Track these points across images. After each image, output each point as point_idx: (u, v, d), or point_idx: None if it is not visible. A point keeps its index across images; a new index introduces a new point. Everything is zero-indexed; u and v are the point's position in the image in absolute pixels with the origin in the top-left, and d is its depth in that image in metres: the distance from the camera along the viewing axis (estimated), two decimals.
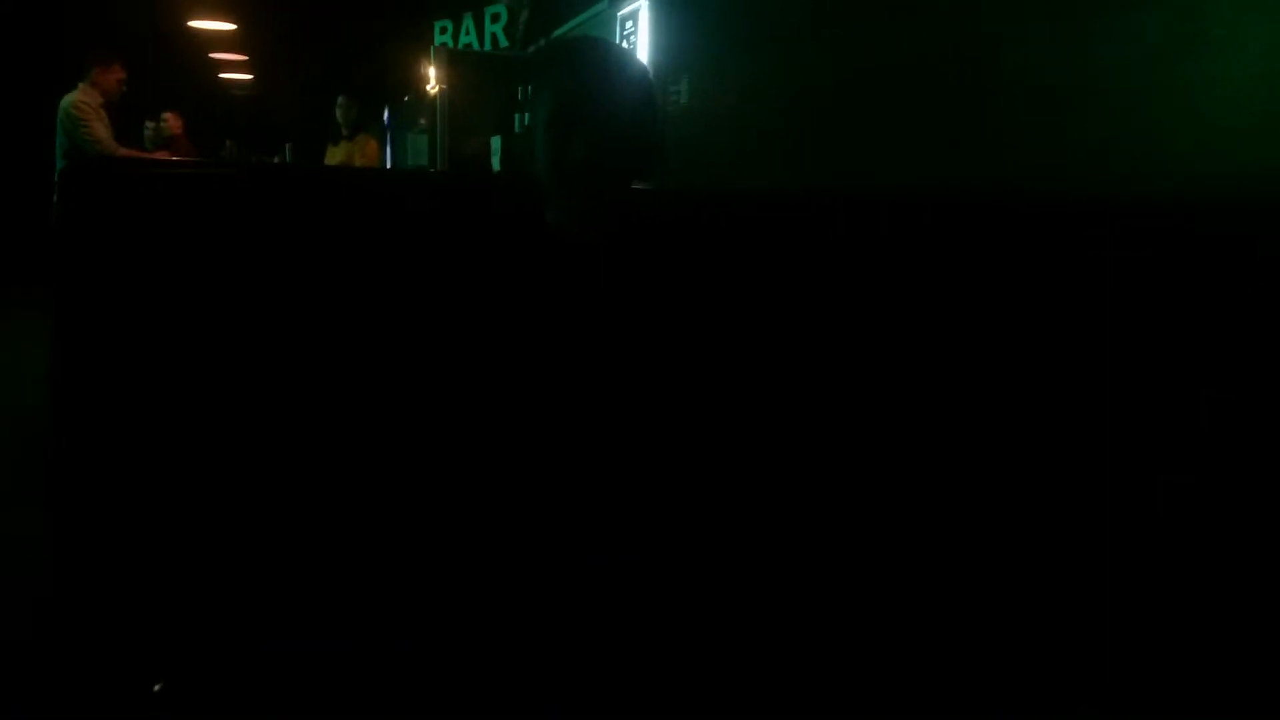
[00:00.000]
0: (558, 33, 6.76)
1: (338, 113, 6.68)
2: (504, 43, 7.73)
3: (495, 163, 6.45)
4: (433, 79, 7.00)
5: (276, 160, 11.38)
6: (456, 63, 7.00)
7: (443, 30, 8.46)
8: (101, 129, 5.26)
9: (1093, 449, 1.50)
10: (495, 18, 7.81)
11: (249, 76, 15.84)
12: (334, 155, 6.77)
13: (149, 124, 6.48)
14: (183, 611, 1.54)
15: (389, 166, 9.11)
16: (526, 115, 6.37)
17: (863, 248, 1.77)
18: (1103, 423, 1.49)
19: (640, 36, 4.87)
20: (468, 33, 8.16)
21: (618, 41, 5.00)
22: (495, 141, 6.53)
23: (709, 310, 1.59)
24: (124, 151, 5.53)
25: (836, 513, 1.68)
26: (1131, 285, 1.46)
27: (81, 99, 5.24)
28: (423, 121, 10.21)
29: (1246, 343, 1.37)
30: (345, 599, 1.56)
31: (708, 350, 1.56)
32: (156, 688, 1.45)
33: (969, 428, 1.64)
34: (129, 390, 1.54)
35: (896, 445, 1.69)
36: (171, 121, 6.35)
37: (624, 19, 5.12)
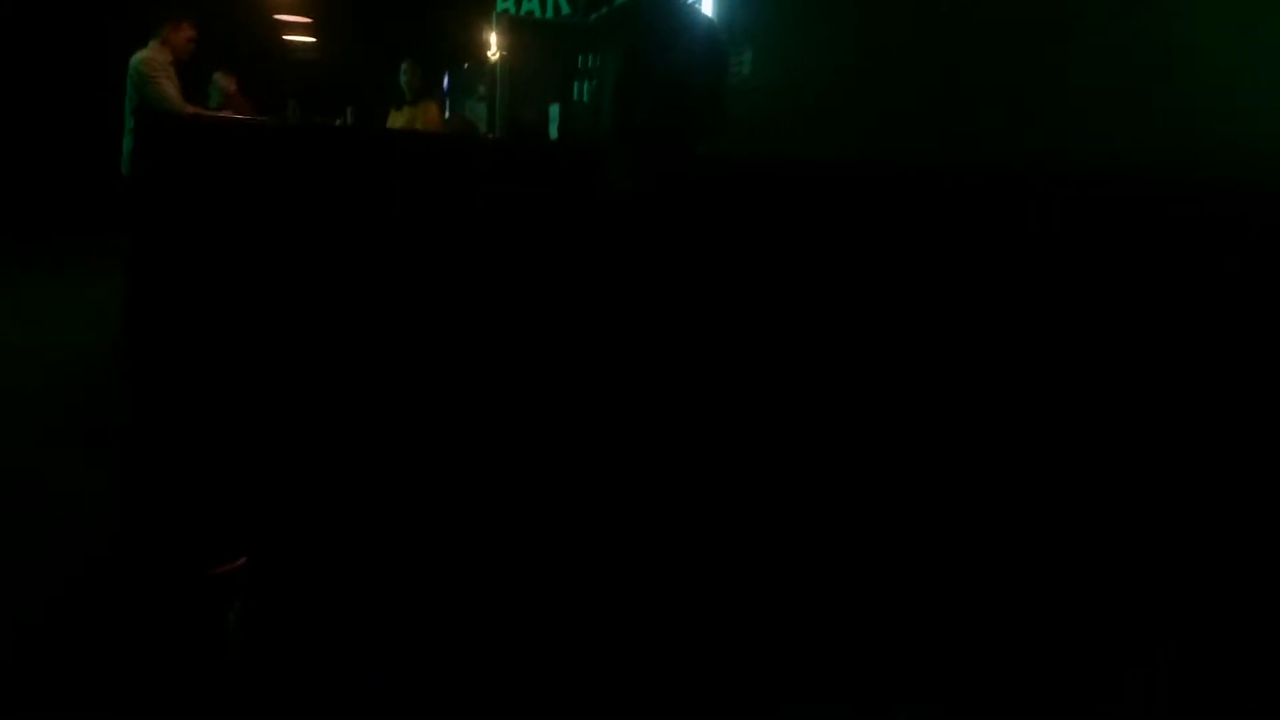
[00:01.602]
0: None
1: (402, 78, 6.70)
2: (566, 10, 7.69)
3: (553, 131, 6.44)
4: (493, 45, 6.99)
5: (339, 122, 11.47)
6: (518, 30, 6.98)
7: None
8: (170, 87, 5.33)
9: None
10: None
11: (312, 39, 15.97)
12: (397, 119, 6.80)
13: (212, 80, 6.58)
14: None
15: None
16: (588, 84, 6.34)
17: (920, 219, 1.74)
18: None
19: (704, 8, 4.82)
20: (530, 0, 8.13)
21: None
22: (553, 110, 6.51)
23: (764, 277, 1.58)
24: (191, 109, 5.61)
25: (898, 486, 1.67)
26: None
27: (152, 57, 5.31)
28: (482, 88, 10.21)
29: None
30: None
31: (763, 315, 1.55)
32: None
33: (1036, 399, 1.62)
34: (198, 331, 1.57)
35: (967, 415, 1.67)
36: (224, 81, 6.40)
37: None
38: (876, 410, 1.73)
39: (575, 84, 6.36)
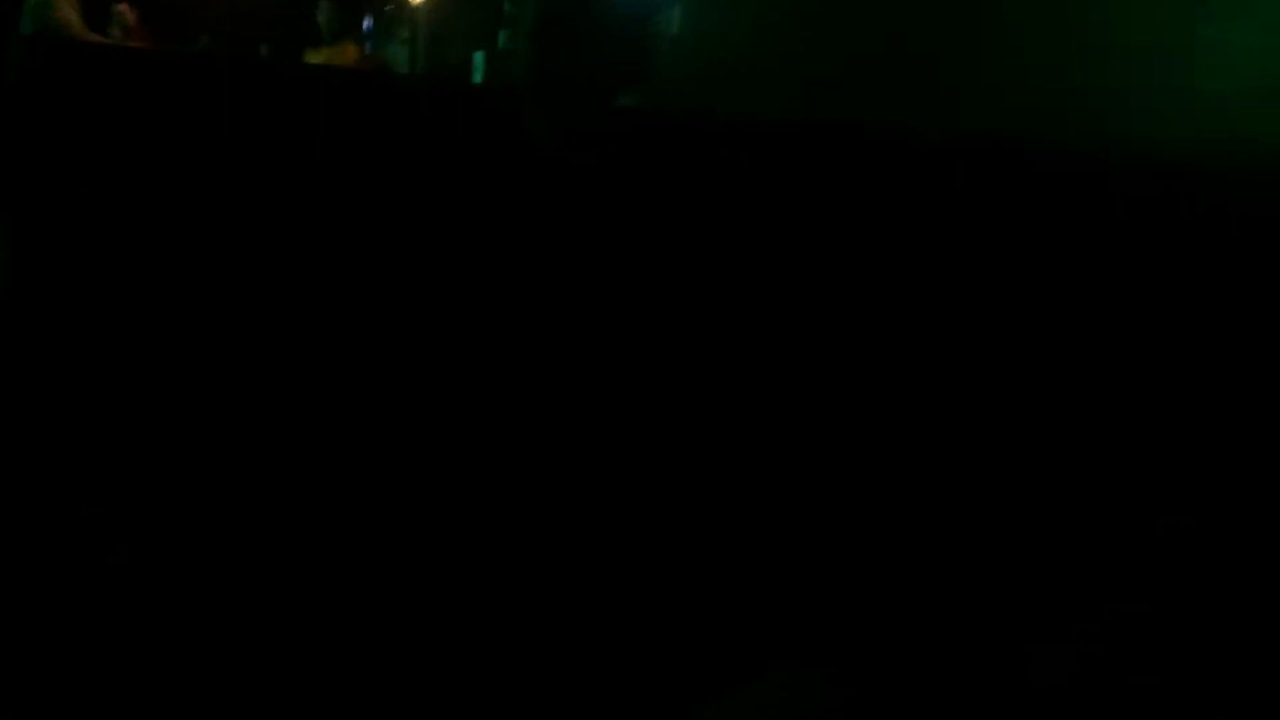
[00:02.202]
0: None
1: (319, 16, 6.48)
2: None
3: (476, 78, 6.30)
4: None
5: None
6: None
7: None
8: (71, 12, 5.07)
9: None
10: None
11: None
12: (313, 59, 6.59)
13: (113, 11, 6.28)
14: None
15: None
16: (513, 31, 6.21)
17: (848, 179, 1.74)
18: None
19: None
20: None
21: None
22: (478, 58, 6.37)
23: (685, 233, 1.56)
24: (94, 39, 5.34)
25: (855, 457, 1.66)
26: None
27: None
28: (404, 32, 9.95)
29: None
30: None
31: (682, 273, 1.53)
32: None
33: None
34: (86, 278, 1.49)
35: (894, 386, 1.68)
36: (125, 13, 6.12)
37: None
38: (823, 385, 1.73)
39: (500, 31, 6.24)
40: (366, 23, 11.66)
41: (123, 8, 6.03)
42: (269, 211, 1.60)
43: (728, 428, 1.61)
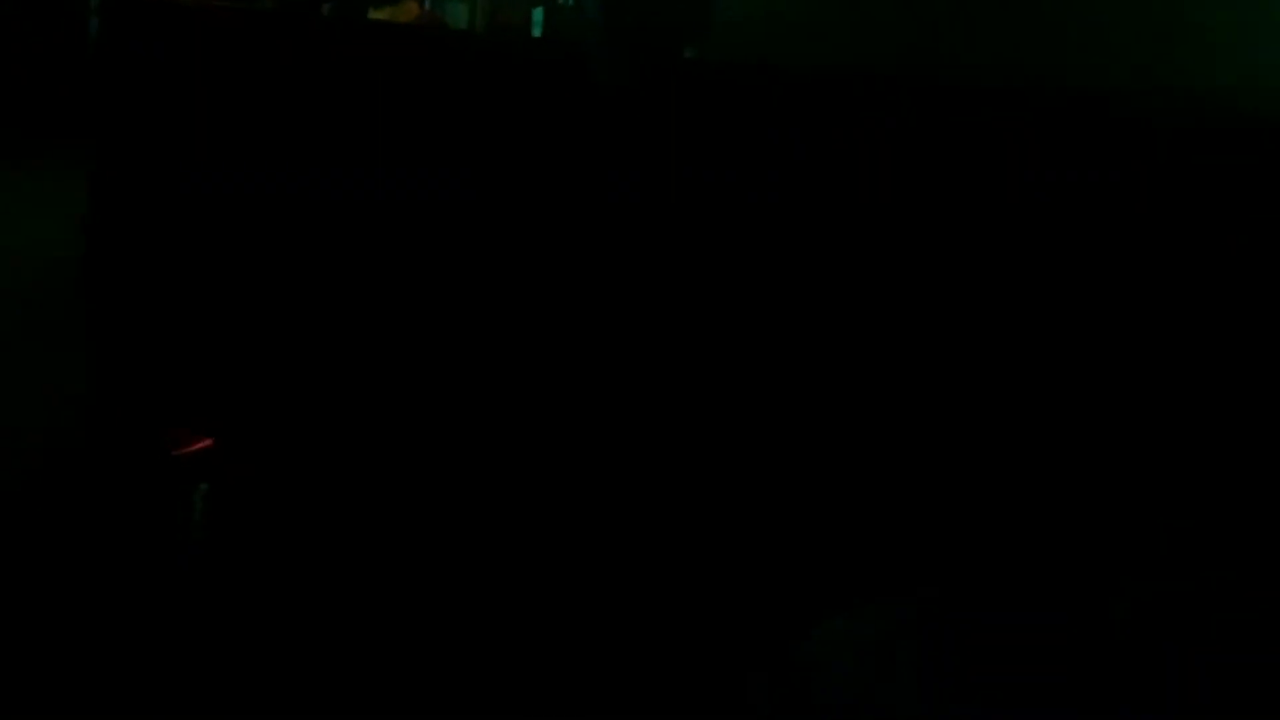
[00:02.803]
0: None
1: None
2: None
3: (536, 32, 6.30)
4: None
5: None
6: None
7: None
8: None
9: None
10: None
11: None
12: (377, 16, 6.63)
13: None
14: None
15: None
16: None
17: (908, 132, 1.73)
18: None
19: None
20: None
21: None
22: (537, 14, 6.36)
23: (749, 185, 1.57)
24: None
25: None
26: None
27: None
28: None
29: None
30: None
31: (743, 224, 1.55)
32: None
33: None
34: (163, 216, 1.55)
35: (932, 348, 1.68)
36: None
37: None
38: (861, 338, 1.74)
39: None
40: None
41: None
42: (344, 167, 1.65)
43: (820, 391, 1.63)
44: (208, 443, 1.56)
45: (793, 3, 3.79)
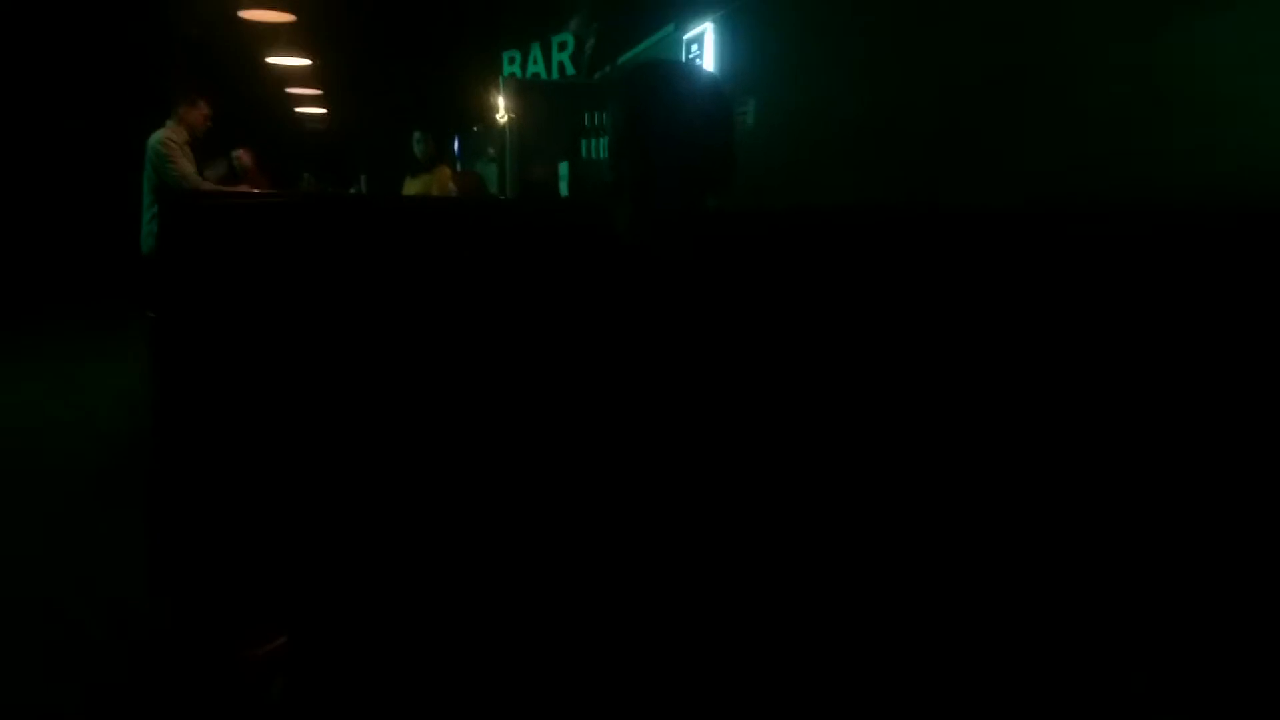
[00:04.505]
0: (624, 58, 6.87)
1: (415, 148, 6.86)
2: (571, 70, 7.86)
3: (563, 188, 6.54)
4: (501, 108, 7.15)
5: (353, 191, 11.69)
6: (524, 92, 7.14)
7: (510, 60, 8.63)
8: (187, 165, 5.47)
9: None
10: (562, 46, 7.95)
11: (323, 110, 16.31)
12: (412, 187, 6.95)
13: (230, 157, 6.77)
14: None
15: None
16: (594, 141, 6.44)
17: (933, 263, 1.78)
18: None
19: (705, 59, 4.93)
20: (535, 62, 8.32)
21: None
22: (563, 168, 6.64)
23: (778, 325, 1.61)
24: (207, 186, 5.74)
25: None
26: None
27: (168, 136, 5.46)
28: (491, 150, 10.42)
29: None
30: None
31: (778, 363, 1.58)
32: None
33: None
34: (226, 406, 1.61)
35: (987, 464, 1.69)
36: (244, 157, 6.60)
37: (689, 42, 5.19)
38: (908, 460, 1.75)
39: (583, 141, 6.50)
40: (456, 144, 12.23)
41: (241, 153, 6.50)
42: (394, 339, 1.71)
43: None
44: (281, 641, 1.58)
45: (811, 139, 3.96)
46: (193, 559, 1.55)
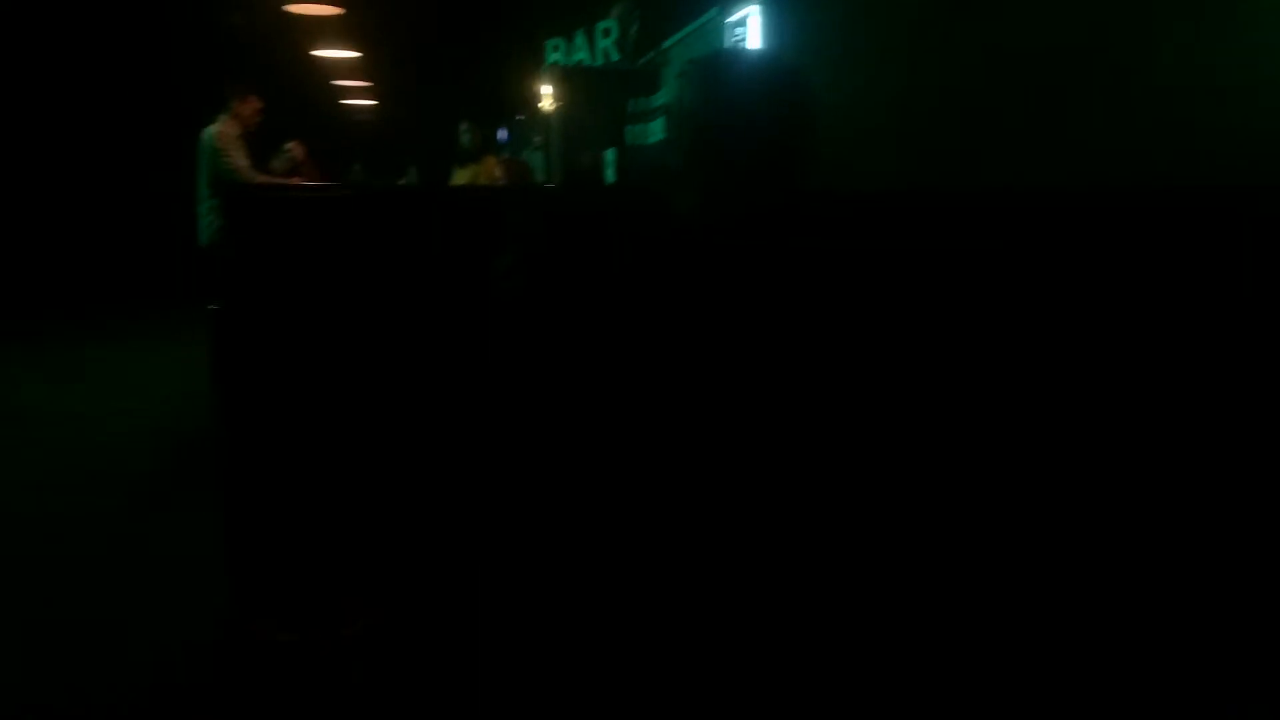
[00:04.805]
0: (668, 42, 6.86)
1: (463, 138, 6.93)
2: (615, 56, 7.86)
3: (609, 174, 6.55)
4: (546, 96, 7.18)
5: (402, 181, 11.80)
6: (568, 79, 7.17)
7: (555, 49, 8.65)
8: (241, 158, 5.57)
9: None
10: (606, 32, 7.94)
11: (371, 102, 16.48)
12: (461, 176, 7.03)
13: (282, 151, 6.88)
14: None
15: None
16: (645, 126, 6.40)
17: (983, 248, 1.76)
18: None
19: (749, 42, 4.91)
20: (579, 49, 8.33)
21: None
22: (609, 154, 6.66)
23: (845, 317, 1.61)
24: (262, 178, 5.84)
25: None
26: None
27: (222, 130, 5.57)
28: (537, 138, 10.46)
29: None
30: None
31: (838, 357, 1.58)
32: None
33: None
34: (291, 395, 1.66)
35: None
36: (296, 150, 6.71)
37: (733, 25, 5.17)
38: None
39: (629, 127, 6.49)
40: (501, 133, 12.30)
41: (292, 145, 6.62)
42: (448, 329, 1.74)
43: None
44: (360, 625, 1.61)
45: (874, 122, 3.92)
46: (270, 543, 1.60)
